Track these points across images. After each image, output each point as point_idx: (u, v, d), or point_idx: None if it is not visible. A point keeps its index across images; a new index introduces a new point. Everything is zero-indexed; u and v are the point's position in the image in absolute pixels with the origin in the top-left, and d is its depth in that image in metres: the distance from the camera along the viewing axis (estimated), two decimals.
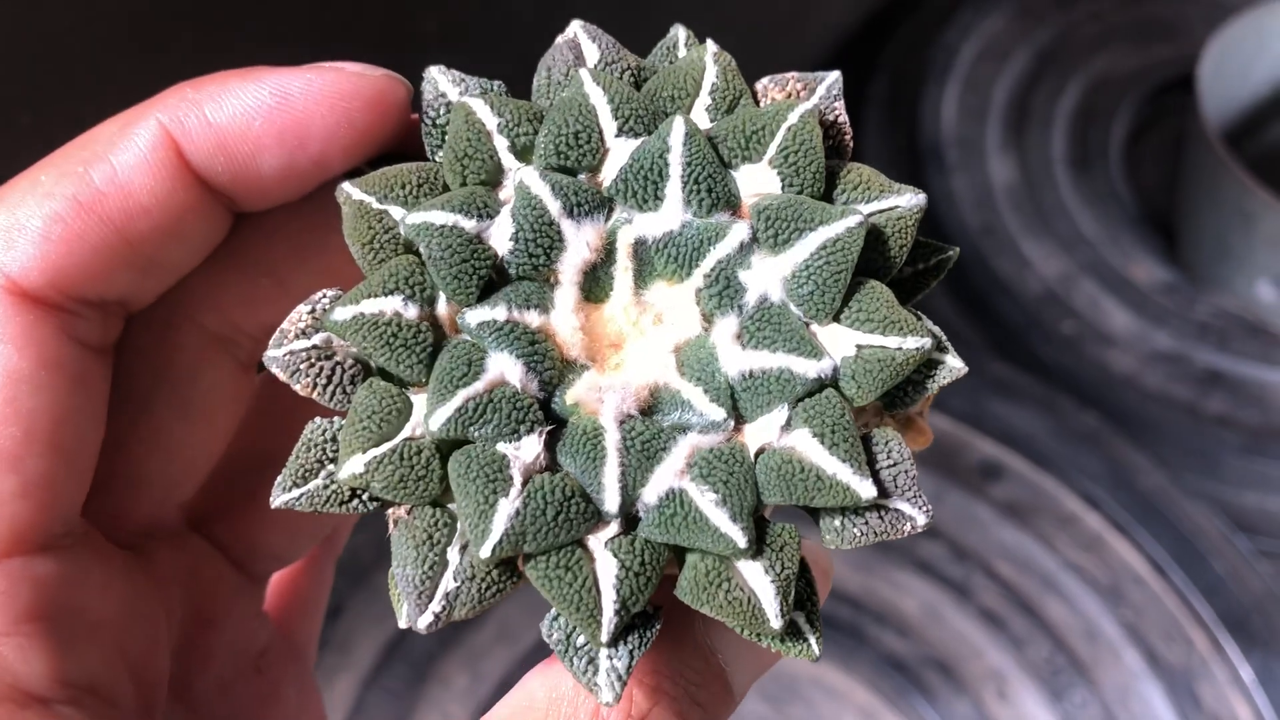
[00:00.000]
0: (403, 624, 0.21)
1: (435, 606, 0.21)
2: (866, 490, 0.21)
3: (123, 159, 0.22)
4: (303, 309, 0.22)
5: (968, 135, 0.89)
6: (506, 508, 0.21)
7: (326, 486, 0.22)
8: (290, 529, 0.32)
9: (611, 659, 0.21)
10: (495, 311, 0.22)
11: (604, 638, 0.21)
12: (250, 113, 0.23)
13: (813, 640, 0.22)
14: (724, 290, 0.23)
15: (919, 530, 0.22)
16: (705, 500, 0.21)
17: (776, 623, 0.21)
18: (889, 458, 0.22)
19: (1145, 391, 0.78)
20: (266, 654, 0.32)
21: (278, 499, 0.22)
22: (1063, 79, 0.93)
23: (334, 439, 0.22)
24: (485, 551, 0.20)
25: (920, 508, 0.22)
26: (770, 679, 0.65)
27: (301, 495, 0.22)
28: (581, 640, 0.22)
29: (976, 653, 0.65)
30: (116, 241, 0.23)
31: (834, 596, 0.67)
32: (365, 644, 0.63)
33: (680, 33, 0.26)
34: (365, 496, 0.22)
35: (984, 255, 0.84)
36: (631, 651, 0.21)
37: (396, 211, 0.23)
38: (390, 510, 0.22)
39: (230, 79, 0.23)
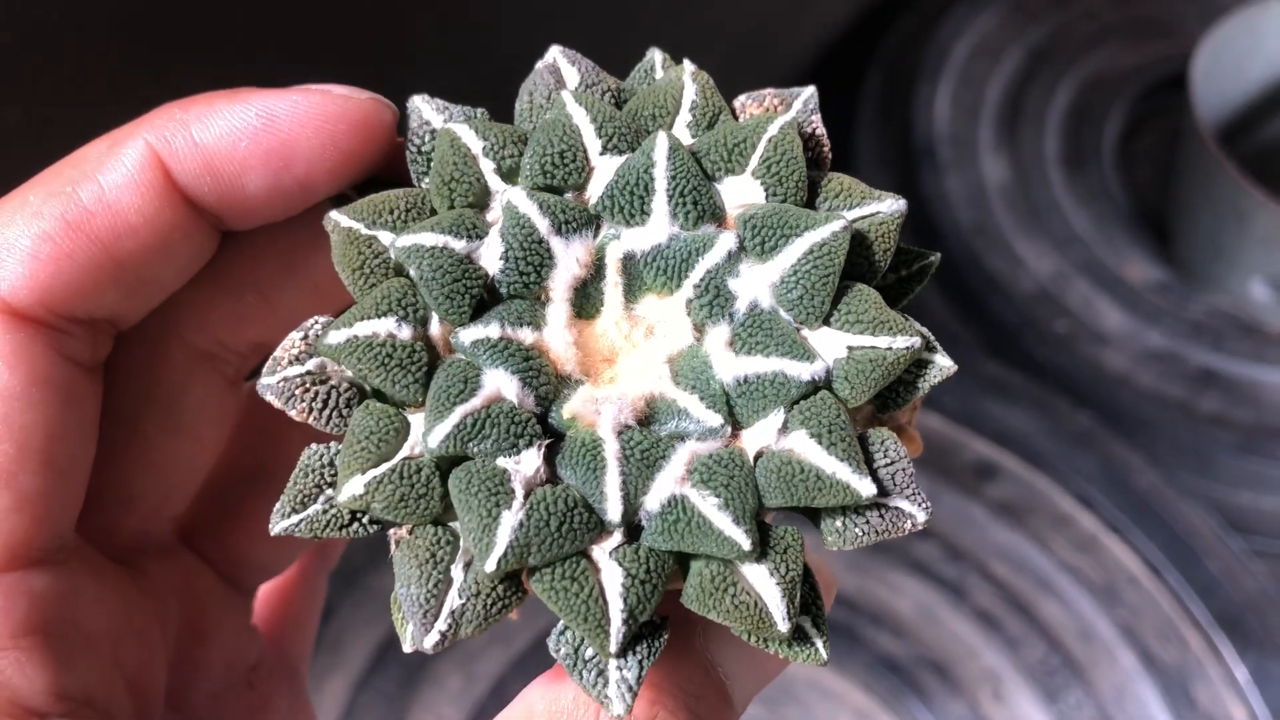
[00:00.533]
0: (408, 647, 0.21)
1: (441, 625, 0.21)
2: (867, 488, 0.21)
3: (110, 179, 0.23)
4: (295, 336, 0.23)
5: (961, 134, 0.89)
6: (510, 520, 0.21)
7: (326, 511, 0.22)
8: (275, 542, 0.32)
9: (621, 670, 0.21)
10: (489, 329, 0.22)
11: (613, 648, 0.21)
12: (237, 133, 0.23)
13: (819, 644, 0.22)
14: (714, 299, 0.23)
15: (919, 528, 0.22)
16: (707, 505, 0.21)
17: (784, 626, 0.21)
18: (886, 456, 0.22)
19: (1139, 391, 0.78)
20: (258, 668, 0.32)
21: (277, 525, 0.22)
22: (1056, 77, 0.93)
23: (331, 463, 0.22)
24: (490, 565, 0.20)
25: (920, 505, 0.22)
26: None
27: (301, 521, 0.22)
28: (590, 653, 0.22)
29: (971, 653, 0.65)
30: (105, 260, 0.23)
31: None
32: (357, 645, 0.63)
33: (656, 55, 0.26)
34: (365, 519, 0.22)
35: (977, 254, 0.83)
36: (641, 662, 0.21)
37: (385, 236, 0.23)
38: (391, 531, 0.22)
39: (217, 100, 0.23)
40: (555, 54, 0.26)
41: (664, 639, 0.22)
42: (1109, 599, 0.66)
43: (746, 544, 0.21)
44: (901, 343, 0.22)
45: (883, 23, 0.96)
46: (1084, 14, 0.96)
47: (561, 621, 0.22)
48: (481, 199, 0.24)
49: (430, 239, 0.22)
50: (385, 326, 0.22)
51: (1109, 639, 0.65)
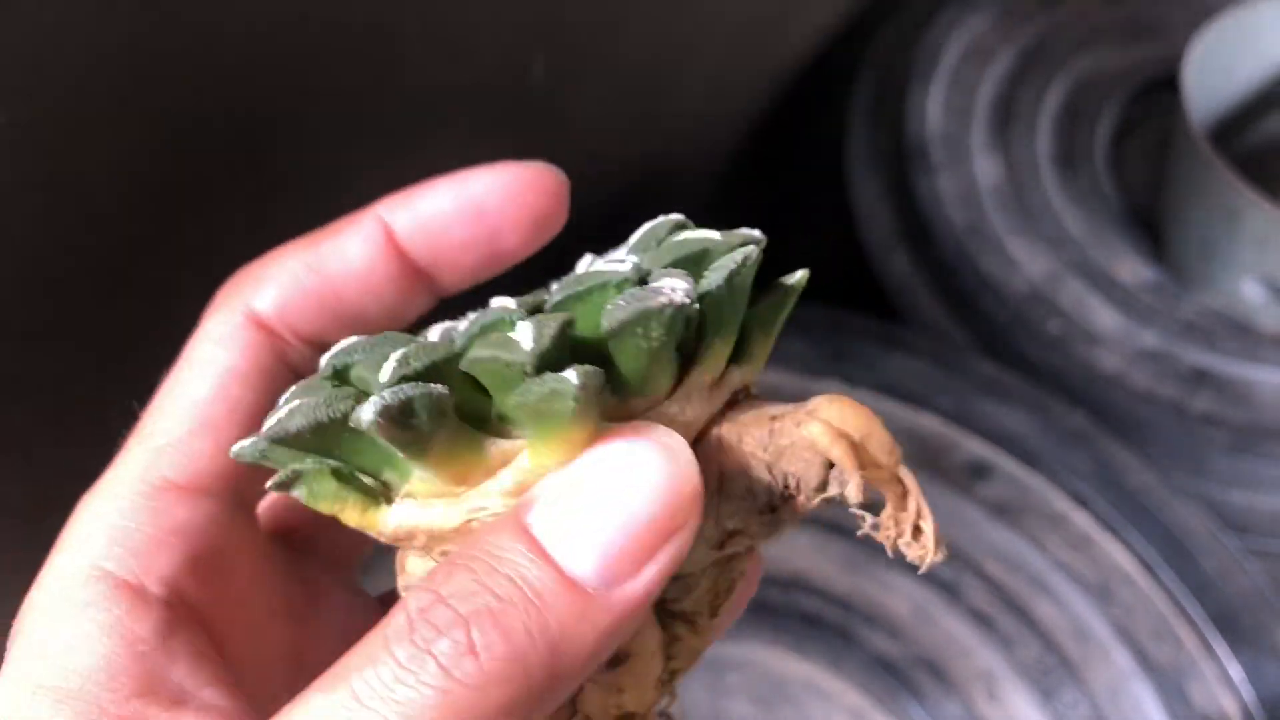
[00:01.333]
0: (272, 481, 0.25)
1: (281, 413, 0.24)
2: (625, 267, 0.24)
3: (345, 237, 0.30)
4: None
5: (953, 134, 0.89)
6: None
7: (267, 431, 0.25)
8: None
9: (382, 393, 0.23)
10: None
11: (383, 376, 0.23)
12: (444, 197, 0.30)
13: (570, 372, 0.22)
14: None
15: (685, 298, 0.23)
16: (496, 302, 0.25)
17: (528, 344, 0.22)
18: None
19: (1132, 390, 0.78)
20: None
21: (233, 449, 0.26)
22: (1048, 78, 0.93)
23: None
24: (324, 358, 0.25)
25: (682, 278, 0.24)
26: (759, 680, 0.64)
27: (253, 443, 0.25)
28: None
29: (966, 653, 0.65)
30: (331, 296, 0.30)
31: (822, 597, 0.66)
32: None
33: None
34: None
35: (970, 255, 0.83)
36: (405, 391, 0.22)
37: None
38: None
39: (430, 181, 0.30)
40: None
41: (449, 399, 0.23)
42: (1103, 598, 0.66)
43: (512, 304, 0.24)
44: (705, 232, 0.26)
45: (873, 25, 0.96)
46: (1075, 15, 0.97)
47: None
48: None
49: None
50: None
51: (1104, 638, 0.65)
